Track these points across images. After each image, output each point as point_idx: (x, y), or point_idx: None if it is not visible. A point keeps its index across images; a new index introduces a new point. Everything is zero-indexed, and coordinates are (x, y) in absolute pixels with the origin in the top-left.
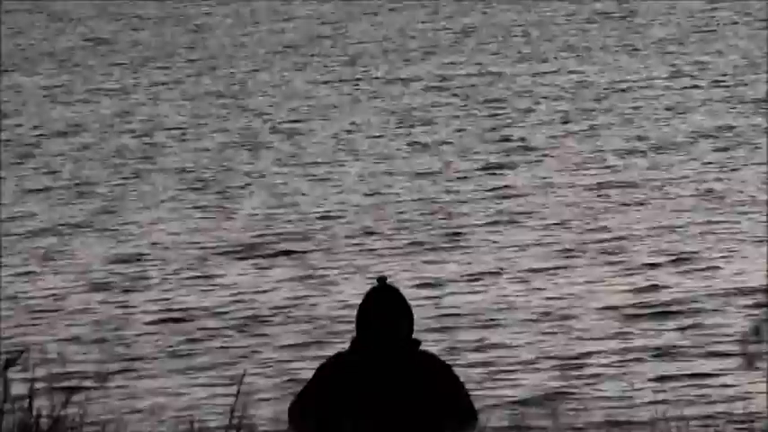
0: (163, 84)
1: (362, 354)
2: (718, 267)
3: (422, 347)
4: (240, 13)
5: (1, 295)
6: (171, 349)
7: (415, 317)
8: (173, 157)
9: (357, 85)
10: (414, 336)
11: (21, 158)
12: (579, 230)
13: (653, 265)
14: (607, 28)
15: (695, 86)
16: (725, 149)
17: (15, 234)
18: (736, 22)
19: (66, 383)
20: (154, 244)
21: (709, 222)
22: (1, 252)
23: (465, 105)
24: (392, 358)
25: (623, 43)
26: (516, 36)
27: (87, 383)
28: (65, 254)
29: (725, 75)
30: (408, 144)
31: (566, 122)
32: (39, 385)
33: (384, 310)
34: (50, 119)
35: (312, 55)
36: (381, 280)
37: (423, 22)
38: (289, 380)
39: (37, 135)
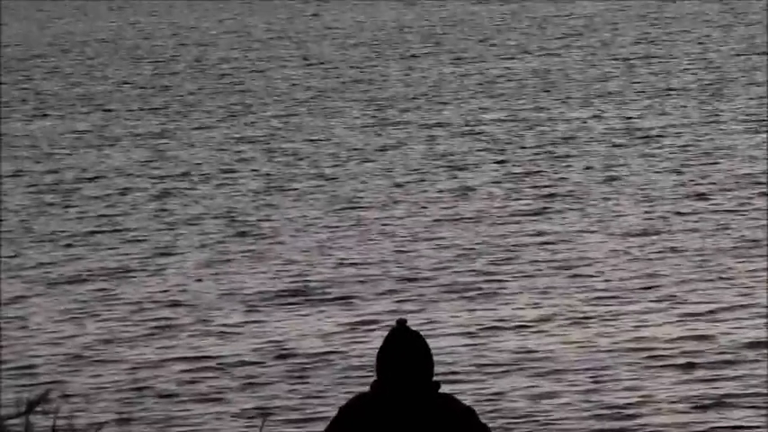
0: (199, 128)
1: (382, 396)
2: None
3: (457, 393)
4: (273, 57)
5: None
6: (203, 395)
7: (449, 361)
8: (210, 201)
9: (392, 129)
10: (442, 379)
11: (62, 202)
12: (620, 278)
13: (703, 314)
14: (643, 72)
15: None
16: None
17: (58, 280)
18: None
19: (88, 426)
20: (192, 291)
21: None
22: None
23: (503, 150)
24: (412, 401)
25: (656, 87)
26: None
27: (111, 426)
28: (107, 298)
29: None
30: (447, 190)
31: (607, 168)
32: (61, 425)
33: (404, 352)
34: (87, 163)
35: (351, 99)
36: (401, 322)
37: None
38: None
39: (77, 179)
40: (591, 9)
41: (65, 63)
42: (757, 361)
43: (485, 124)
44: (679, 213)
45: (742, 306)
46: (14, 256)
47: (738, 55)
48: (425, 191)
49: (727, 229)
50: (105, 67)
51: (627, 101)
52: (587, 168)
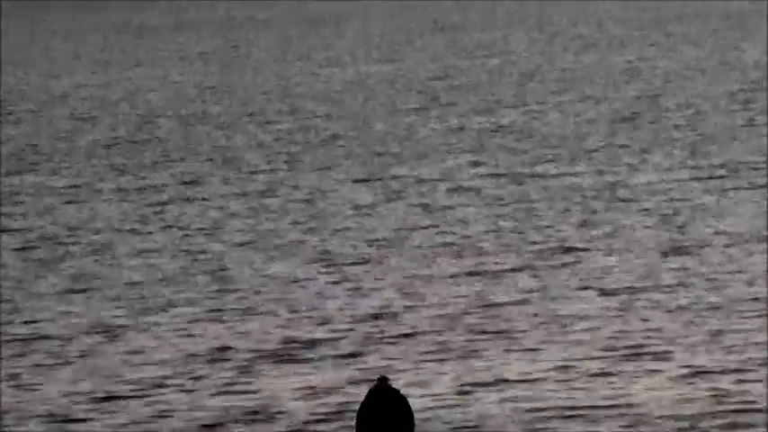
0: (189, 182)
1: None
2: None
3: None
4: (263, 110)
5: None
6: None
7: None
8: (205, 255)
9: (383, 184)
10: None
11: (48, 257)
12: (622, 333)
13: (692, 374)
14: (628, 127)
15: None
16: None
17: (54, 336)
18: None
19: None
20: (180, 348)
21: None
22: None
23: (493, 205)
24: None
25: (645, 145)
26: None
27: None
28: (103, 354)
29: None
30: (441, 245)
31: (594, 222)
32: None
33: (383, 410)
34: (75, 218)
35: (340, 147)
36: (382, 380)
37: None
38: None
39: (67, 234)
40: (575, 64)
41: (51, 118)
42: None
43: (471, 179)
44: (667, 269)
45: (735, 366)
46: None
47: (728, 109)
48: (413, 246)
49: (716, 286)
50: (92, 120)
51: (613, 156)
52: (575, 225)
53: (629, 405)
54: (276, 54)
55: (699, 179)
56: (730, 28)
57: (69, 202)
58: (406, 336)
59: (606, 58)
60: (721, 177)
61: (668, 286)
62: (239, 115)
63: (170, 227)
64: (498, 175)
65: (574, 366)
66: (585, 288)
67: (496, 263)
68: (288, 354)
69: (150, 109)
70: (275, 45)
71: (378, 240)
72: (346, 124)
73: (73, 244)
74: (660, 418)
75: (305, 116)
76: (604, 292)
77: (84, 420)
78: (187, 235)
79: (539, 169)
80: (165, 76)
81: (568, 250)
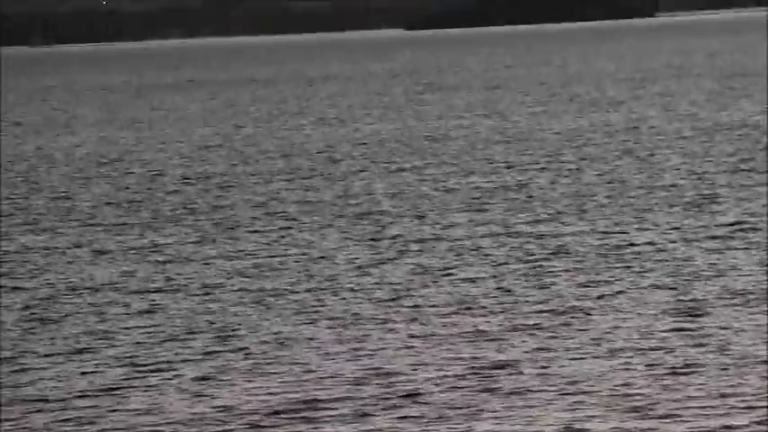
0: (190, 242)
1: None
2: None
3: None
4: (263, 170)
5: None
6: None
7: None
8: (207, 315)
9: (382, 243)
10: None
11: (51, 317)
12: (627, 393)
13: None
14: (630, 185)
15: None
16: None
17: (49, 397)
18: None
19: None
20: (185, 408)
21: None
22: None
23: (494, 264)
24: None
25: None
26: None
27: None
28: (106, 416)
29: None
30: (443, 304)
31: (598, 282)
32: None
33: None
34: (76, 278)
35: (338, 216)
36: None
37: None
38: None
39: (68, 295)
40: (571, 124)
41: (50, 177)
42: None
43: (471, 238)
44: (671, 329)
45: (741, 425)
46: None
47: (726, 171)
48: (415, 305)
49: (724, 344)
50: (91, 180)
51: (615, 214)
52: (578, 284)
53: None
54: (274, 113)
55: (700, 239)
56: (729, 87)
57: (70, 262)
58: (411, 396)
59: (603, 118)
60: (722, 238)
61: (672, 347)
62: (239, 174)
63: (172, 286)
64: (498, 234)
65: (580, 428)
66: (590, 347)
67: (499, 323)
68: (292, 414)
69: (150, 168)
70: (273, 104)
71: (379, 300)
72: (345, 183)
73: (74, 304)
74: None
75: (304, 175)
76: (609, 352)
77: None
78: (188, 294)
79: (541, 228)
80: (164, 136)
81: (572, 310)
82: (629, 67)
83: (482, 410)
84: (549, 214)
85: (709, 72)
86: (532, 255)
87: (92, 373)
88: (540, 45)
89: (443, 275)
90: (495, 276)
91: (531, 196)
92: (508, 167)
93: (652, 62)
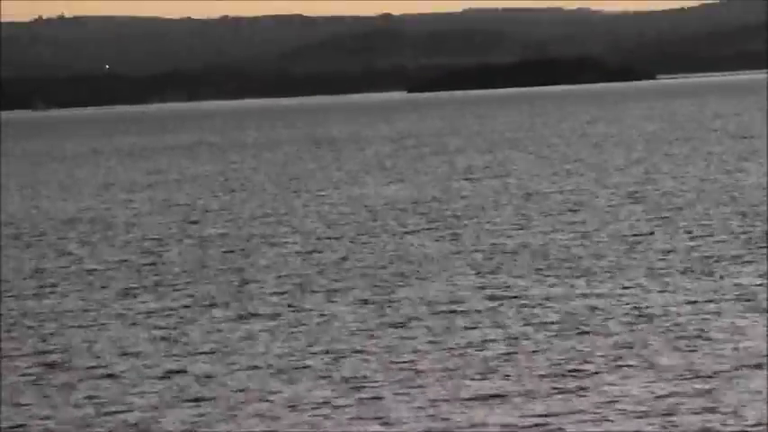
0: (197, 306)
1: None
2: None
3: None
4: (269, 233)
5: None
6: None
7: None
8: (216, 380)
9: (391, 306)
10: None
11: (63, 381)
12: None
13: None
14: (641, 248)
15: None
16: None
17: None
18: None
19: None
20: None
21: None
22: None
23: (507, 327)
24: None
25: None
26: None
27: None
28: None
29: None
30: (455, 367)
31: (612, 344)
32: None
33: None
34: (84, 342)
35: (348, 277)
36: None
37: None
38: None
39: (77, 359)
40: (579, 185)
41: (56, 240)
42: None
43: (481, 301)
44: (684, 394)
45: None
46: None
47: (733, 234)
48: (428, 369)
49: (733, 410)
50: (97, 244)
51: (626, 277)
52: (593, 346)
53: None
54: (279, 175)
55: (709, 301)
56: (736, 149)
57: (79, 326)
58: None
59: (610, 179)
60: (730, 300)
61: (688, 409)
62: (245, 238)
63: (179, 350)
64: (509, 297)
65: None
66: (607, 410)
67: (515, 386)
68: None
69: (156, 232)
70: (277, 167)
71: (392, 363)
72: (352, 246)
73: (83, 369)
74: None
75: (311, 238)
76: (626, 415)
77: None
78: (196, 360)
79: (552, 291)
80: (168, 199)
81: (587, 372)
82: (633, 130)
83: None
84: (561, 275)
85: (716, 134)
86: (547, 317)
87: None
88: (542, 107)
89: (454, 338)
90: (505, 339)
91: (543, 257)
92: (517, 229)
93: (655, 124)
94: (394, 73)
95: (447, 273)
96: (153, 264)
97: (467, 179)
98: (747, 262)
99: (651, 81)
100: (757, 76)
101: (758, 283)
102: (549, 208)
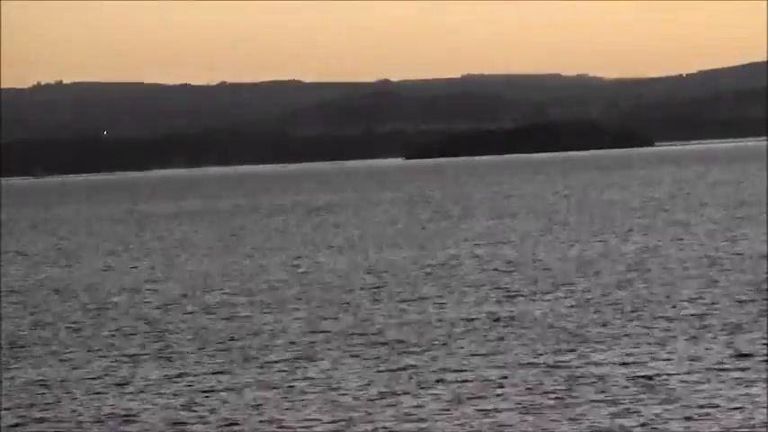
0: (207, 373)
1: None
2: None
3: None
4: (274, 299)
5: None
6: None
7: None
8: None
9: (398, 374)
10: None
11: None
12: None
13: None
14: (643, 315)
15: None
16: None
17: None
18: None
19: None
20: None
21: None
22: None
23: (515, 397)
24: None
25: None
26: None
27: None
28: None
29: None
30: None
31: (623, 414)
32: None
33: None
34: (93, 411)
35: (353, 343)
36: None
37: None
38: None
39: (88, 428)
40: (583, 252)
41: (64, 307)
42: None
43: (487, 370)
44: None
45: None
46: None
47: (735, 298)
48: None
49: None
50: (104, 311)
51: (634, 345)
52: (604, 416)
53: None
54: (282, 242)
55: (714, 370)
56: (733, 217)
57: (86, 394)
58: None
59: (613, 246)
60: (737, 369)
61: None
62: (252, 304)
63: (193, 418)
64: (519, 365)
65: None
66: None
67: None
68: None
69: (164, 298)
70: (280, 233)
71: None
72: (357, 313)
73: None
74: None
75: (316, 305)
76: None
77: None
78: (210, 426)
79: (559, 359)
80: (173, 265)
81: None
82: (634, 196)
83: None
84: (566, 342)
85: (715, 201)
86: (556, 386)
87: None
88: (542, 173)
89: (463, 406)
90: (514, 408)
91: (551, 326)
92: (522, 296)
93: (655, 191)
94: (392, 139)
95: (453, 339)
96: (158, 331)
97: (473, 245)
98: (747, 330)
99: (649, 148)
100: (757, 143)
101: (759, 350)
102: (552, 275)
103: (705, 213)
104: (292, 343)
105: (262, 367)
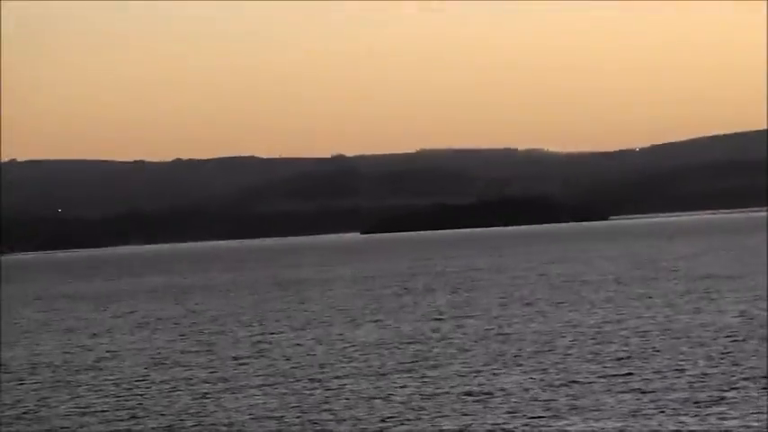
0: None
1: None
2: None
3: None
4: (240, 377)
5: None
6: None
7: None
8: None
9: None
10: None
11: None
12: None
13: None
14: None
15: None
16: None
17: None
18: None
19: None
20: None
21: None
22: None
23: None
24: None
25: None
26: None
27: None
28: None
29: None
30: None
31: None
32: None
33: None
34: None
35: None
36: None
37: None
38: None
39: None
40: (550, 324)
41: (23, 387)
42: None
43: None
44: None
45: None
46: None
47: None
48: None
49: None
50: (65, 389)
51: (606, 416)
52: None
53: None
54: (246, 318)
55: None
56: (703, 288)
57: None
58: None
59: (581, 319)
60: None
61: None
62: (219, 380)
63: None
64: None
65: None
66: None
67: None
68: None
69: (128, 375)
70: (243, 309)
71: None
72: (331, 387)
73: None
74: None
75: (288, 381)
76: None
77: None
78: None
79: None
80: (134, 342)
81: None
82: (594, 270)
83: None
84: (535, 415)
85: (677, 274)
86: None
87: None
88: (500, 247)
89: None
90: None
91: (520, 399)
92: (490, 371)
93: (616, 265)
94: (349, 214)
95: (426, 414)
96: (127, 408)
97: (440, 319)
98: (711, 404)
99: (605, 221)
100: (713, 215)
101: (735, 425)
102: (518, 349)
103: (665, 286)
104: (262, 418)
105: None
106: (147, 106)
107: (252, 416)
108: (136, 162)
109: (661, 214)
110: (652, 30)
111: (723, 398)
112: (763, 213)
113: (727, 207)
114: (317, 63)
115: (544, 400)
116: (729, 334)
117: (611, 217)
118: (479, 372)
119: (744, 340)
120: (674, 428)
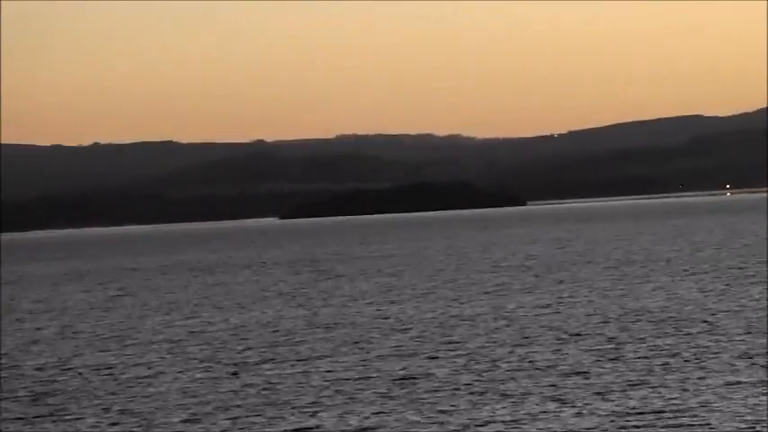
0: None
1: None
2: None
3: None
4: (168, 361)
5: None
6: None
7: None
8: None
9: None
10: None
11: None
12: None
13: None
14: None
15: None
16: None
17: None
18: None
19: None
20: None
21: None
22: None
23: None
24: None
25: None
26: None
27: None
28: None
29: None
30: None
31: None
32: None
33: None
34: None
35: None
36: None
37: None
38: None
39: None
40: (476, 310)
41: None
42: None
43: (400, 427)
44: None
45: None
46: None
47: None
48: None
49: None
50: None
51: (518, 402)
52: None
53: None
54: (168, 302)
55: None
56: (624, 273)
57: None
58: None
59: (505, 304)
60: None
61: None
62: (141, 365)
63: None
64: (422, 422)
65: None
66: None
67: None
68: None
69: (53, 359)
70: (165, 293)
71: None
72: (253, 372)
73: None
74: None
75: (207, 365)
76: None
77: None
78: None
79: (453, 416)
80: (57, 328)
81: None
82: (518, 257)
83: None
84: (460, 399)
85: (599, 260)
86: None
87: None
88: (417, 232)
89: None
90: None
91: (441, 383)
92: (413, 354)
93: (537, 249)
94: (267, 199)
95: (353, 399)
96: (53, 392)
97: (365, 303)
98: (638, 386)
99: (522, 207)
100: (632, 201)
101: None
102: (448, 334)
103: (587, 272)
104: (181, 405)
105: None
106: (64, 90)
107: (164, 402)
108: (53, 146)
109: (579, 200)
110: (569, 15)
111: (645, 381)
112: (681, 198)
113: (642, 193)
114: (235, 48)
115: (465, 384)
116: (648, 318)
117: (529, 202)
118: (402, 356)
119: (663, 321)
120: (595, 410)
